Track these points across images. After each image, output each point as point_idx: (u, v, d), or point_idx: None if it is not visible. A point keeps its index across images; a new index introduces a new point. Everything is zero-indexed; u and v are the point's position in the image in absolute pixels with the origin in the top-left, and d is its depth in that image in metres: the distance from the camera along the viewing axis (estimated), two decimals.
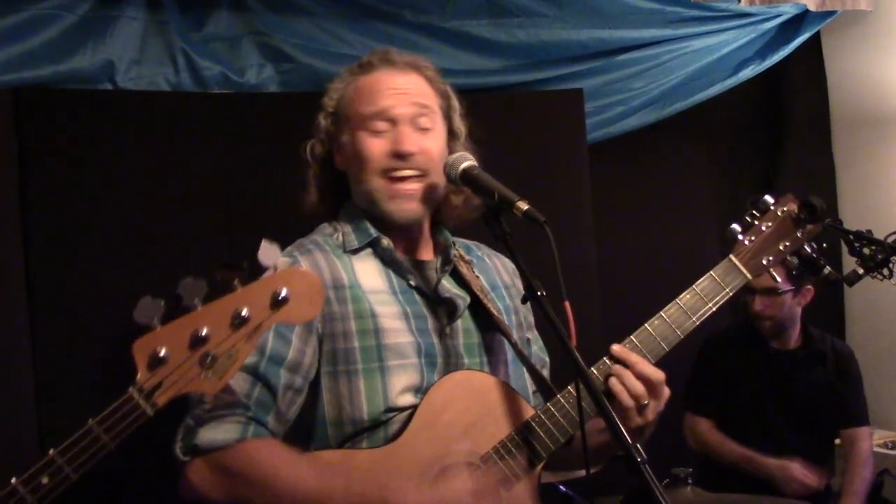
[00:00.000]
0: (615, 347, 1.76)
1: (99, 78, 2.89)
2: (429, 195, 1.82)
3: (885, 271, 2.40)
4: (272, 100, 3.14)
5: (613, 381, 1.72)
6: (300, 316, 1.37)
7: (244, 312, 1.32)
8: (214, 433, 1.62)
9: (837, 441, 3.48)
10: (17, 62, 2.75)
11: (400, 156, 1.78)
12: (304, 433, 1.75)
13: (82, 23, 2.84)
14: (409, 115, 1.81)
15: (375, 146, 1.79)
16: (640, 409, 1.72)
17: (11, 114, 2.75)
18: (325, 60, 3.16)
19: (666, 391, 1.75)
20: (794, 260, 1.92)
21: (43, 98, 2.81)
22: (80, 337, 2.76)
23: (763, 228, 1.88)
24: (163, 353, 1.29)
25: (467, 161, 1.77)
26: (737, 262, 1.86)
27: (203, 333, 1.30)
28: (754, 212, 1.90)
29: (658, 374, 1.73)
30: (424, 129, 1.82)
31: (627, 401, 1.70)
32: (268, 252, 1.34)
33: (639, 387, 1.71)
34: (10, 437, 2.59)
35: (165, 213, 2.89)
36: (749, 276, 1.87)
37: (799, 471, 3.23)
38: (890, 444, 3.83)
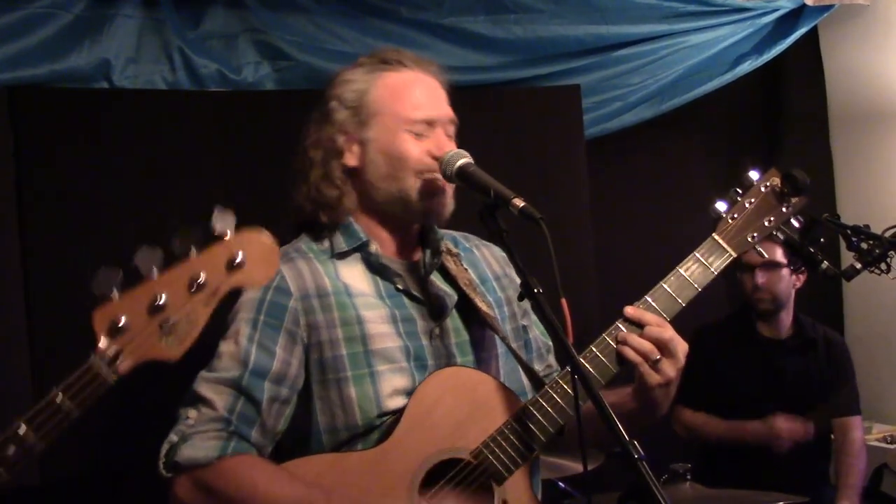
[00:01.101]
0: (629, 309, 1.76)
1: (95, 77, 2.89)
2: (453, 195, 1.84)
3: (883, 266, 2.41)
4: (269, 98, 3.13)
5: (620, 345, 1.72)
6: (256, 278, 1.39)
7: (201, 278, 1.34)
8: (195, 450, 1.63)
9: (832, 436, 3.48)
10: (13, 61, 2.74)
11: (440, 160, 1.80)
12: (301, 441, 1.75)
13: (78, 21, 2.83)
14: (446, 122, 1.85)
15: (415, 146, 1.80)
16: (654, 365, 1.71)
17: (7, 113, 2.74)
18: (322, 58, 3.16)
19: (680, 347, 1.74)
20: (781, 235, 1.88)
21: (39, 97, 2.80)
22: (77, 335, 2.75)
23: (746, 205, 1.85)
24: (122, 321, 1.31)
25: (463, 158, 1.77)
26: (720, 241, 1.84)
27: (161, 300, 1.32)
28: (738, 189, 1.88)
29: (665, 333, 1.72)
30: (451, 137, 1.86)
31: (634, 357, 1.71)
32: (221, 219, 1.35)
33: (646, 344, 1.71)
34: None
35: (163, 211, 2.88)
36: (733, 253, 1.84)
37: (784, 422, 3.25)
38: (889, 439, 3.83)
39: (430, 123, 1.82)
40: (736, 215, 1.85)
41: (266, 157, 2.97)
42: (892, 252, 2.42)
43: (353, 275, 1.81)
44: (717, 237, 1.84)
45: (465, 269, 1.92)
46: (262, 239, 1.38)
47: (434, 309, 1.83)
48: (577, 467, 2.55)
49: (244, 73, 3.12)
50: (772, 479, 3.18)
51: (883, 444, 3.81)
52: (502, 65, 3.49)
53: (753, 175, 1.87)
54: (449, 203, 1.83)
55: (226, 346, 1.71)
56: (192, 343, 1.35)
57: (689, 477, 2.77)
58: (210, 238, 1.35)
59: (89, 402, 1.31)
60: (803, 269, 3.29)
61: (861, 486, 3.38)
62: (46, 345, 2.75)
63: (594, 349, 1.75)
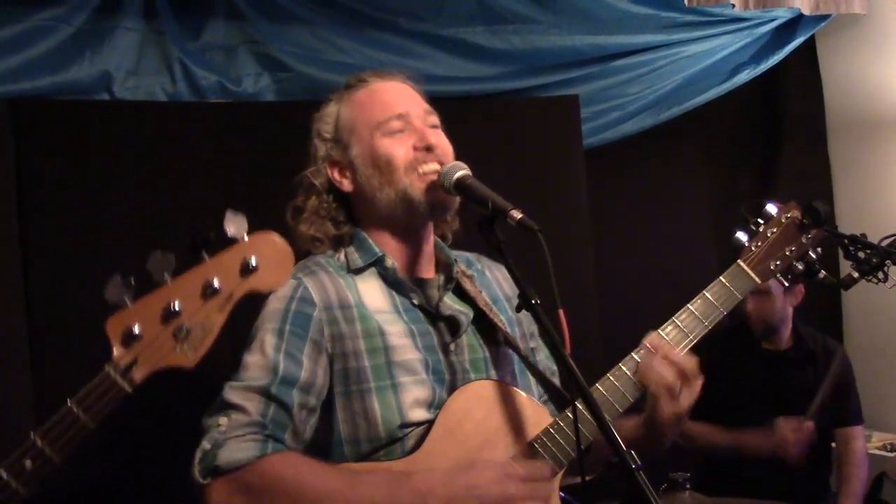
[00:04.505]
0: (650, 338, 1.80)
1: (96, 88, 2.90)
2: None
3: (881, 275, 2.42)
4: (269, 109, 3.14)
5: (643, 368, 1.76)
6: (270, 282, 1.37)
7: (215, 283, 1.32)
8: (234, 453, 1.60)
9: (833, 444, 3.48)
10: (15, 73, 2.75)
11: (427, 148, 1.81)
12: (320, 453, 1.75)
13: (79, 34, 2.84)
14: (421, 113, 1.86)
15: (397, 145, 1.82)
16: (672, 394, 1.75)
17: (9, 125, 2.75)
18: (322, 69, 3.17)
19: (699, 379, 1.78)
20: (800, 265, 1.97)
21: (40, 109, 2.81)
22: (78, 346, 2.76)
23: (769, 235, 1.93)
24: (136, 329, 1.29)
25: (461, 170, 1.78)
26: (745, 268, 1.91)
27: (175, 307, 1.30)
28: (759, 219, 1.96)
29: (689, 362, 1.77)
30: (435, 126, 1.87)
31: (657, 386, 1.75)
32: (234, 222, 1.34)
33: (670, 374, 1.75)
34: (8, 440, 2.59)
35: (163, 222, 2.89)
36: (758, 280, 1.91)
37: (786, 424, 3.21)
38: (889, 447, 3.84)
39: (404, 118, 1.83)
40: (759, 243, 1.93)
41: (266, 168, 2.98)
42: (889, 261, 2.42)
43: (370, 290, 1.82)
44: (742, 264, 1.91)
45: (480, 291, 1.93)
46: (276, 242, 1.37)
47: (449, 325, 1.84)
48: (575, 477, 2.56)
49: (244, 84, 3.13)
50: (772, 488, 3.18)
51: (883, 453, 3.81)
52: (501, 75, 3.50)
53: (772, 208, 1.96)
54: (451, 197, 1.83)
55: (252, 357, 1.71)
56: (207, 349, 1.34)
57: (688, 486, 2.77)
58: (223, 241, 1.33)
59: (104, 412, 1.30)
60: (800, 284, 3.28)
61: (862, 496, 3.38)
62: (47, 353, 2.76)
63: (610, 377, 1.79)
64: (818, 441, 3.36)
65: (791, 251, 1.95)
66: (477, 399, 1.75)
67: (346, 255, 1.85)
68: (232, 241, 1.34)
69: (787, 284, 3.20)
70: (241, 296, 1.35)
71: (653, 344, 1.79)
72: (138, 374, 1.31)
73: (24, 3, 2.77)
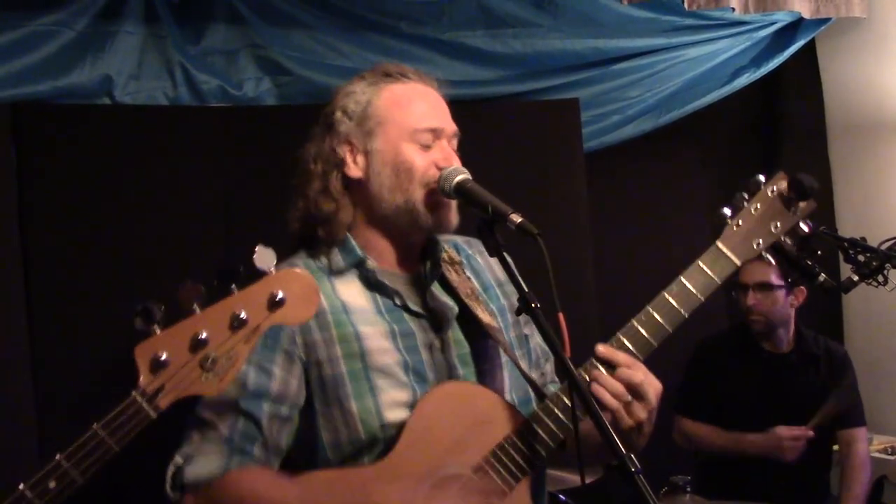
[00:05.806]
0: (600, 348, 1.70)
1: (97, 93, 2.91)
2: (458, 209, 1.83)
3: (880, 278, 2.43)
4: (270, 113, 3.15)
5: (594, 385, 1.67)
6: (296, 316, 1.42)
7: (242, 314, 1.36)
8: (199, 468, 1.66)
9: (835, 447, 3.48)
10: (16, 78, 2.77)
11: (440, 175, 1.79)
12: (308, 457, 1.76)
13: (80, 38, 2.86)
14: (451, 134, 1.85)
15: (422, 157, 1.79)
16: (626, 407, 1.66)
17: (10, 129, 2.76)
18: (322, 73, 3.18)
19: (651, 388, 1.68)
20: (789, 241, 1.79)
21: (41, 113, 2.82)
22: (79, 350, 2.77)
23: (752, 211, 1.76)
24: (164, 356, 1.33)
25: (461, 174, 1.77)
26: (724, 249, 1.75)
27: (203, 336, 1.34)
28: (744, 193, 1.79)
29: (636, 376, 1.67)
30: (455, 152, 1.85)
31: (610, 401, 1.66)
32: (263, 256, 1.38)
33: (617, 386, 1.66)
34: (9, 445, 2.59)
35: (164, 226, 2.90)
36: (737, 262, 1.75)
37: (786, 431, 3.21)
38: (889, 450, 3.83)
39: (436, 134, 1.81)
40: (741, 222, 1.76)
41: (267, 172, 2.98)
42: (889, 265, 2.43)
43: (351, 291, 1.80)
44: (720, 245, 1.75)
45: (468, 278, 1.91)
46: (303, 277, 1.42)
47: (435, 322, 1.82)
48: (577, 480, 2.56)
49: (245, 88, 3.14)
50: (772, 491, 3.18)
51: (883, 456, 3.81)
52: (501, 79, 3.51)
53: (760, 178, 1.79)
54: (454, 217, 1.82)
55: None
56: (231, 379, 1.39)
57: (688, 489, 2.77)
58: (251, 275, 1.38)
59: (129, 436, 1.34)
60: (801, 285, 3.28)
61: (865, 497, 3.38)
62: (47, 354, 2.77)
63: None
64: (818, 443, 3.36)
65: (777, 227, 1.76)
66: (447, 401, 1.74)
67: (328, 258, 1.83)
68: (260, 275, 1.38)
69: (786, 284, 3.25)
70: (266, 328, 1.39)
71: (604, 356, 1.69)
72: (164, 401, 1.35)
73: (25, 8, 2.79)
